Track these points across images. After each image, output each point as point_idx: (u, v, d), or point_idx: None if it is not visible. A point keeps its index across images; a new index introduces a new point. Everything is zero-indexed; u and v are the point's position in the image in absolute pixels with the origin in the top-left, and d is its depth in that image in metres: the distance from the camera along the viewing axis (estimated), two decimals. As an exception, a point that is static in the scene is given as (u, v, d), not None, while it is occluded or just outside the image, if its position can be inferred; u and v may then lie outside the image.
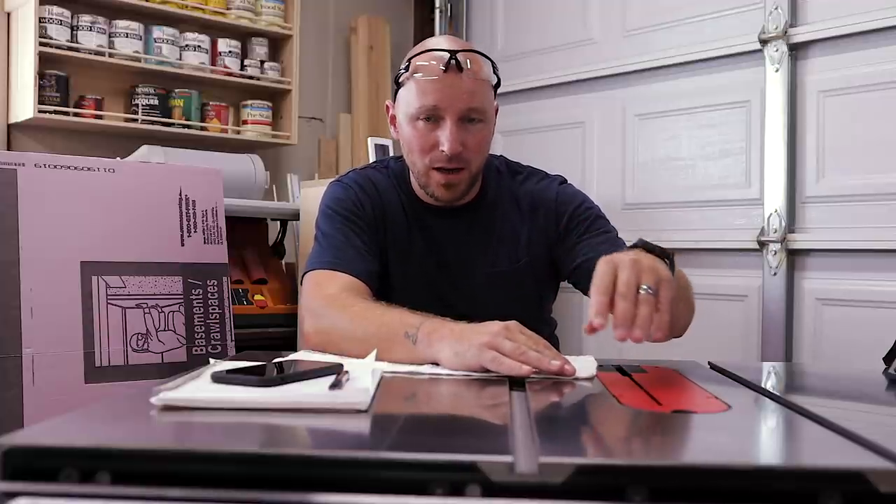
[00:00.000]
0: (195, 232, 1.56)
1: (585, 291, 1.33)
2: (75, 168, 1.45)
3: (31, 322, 1.35)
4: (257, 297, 2.25)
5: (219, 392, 0.75)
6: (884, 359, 1.00)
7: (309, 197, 2.30)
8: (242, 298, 2.21)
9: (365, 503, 0.51)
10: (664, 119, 2.35)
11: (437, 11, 2.93)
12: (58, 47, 2.32)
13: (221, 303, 1.56)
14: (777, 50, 2.09)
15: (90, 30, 2.38)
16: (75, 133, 2.49)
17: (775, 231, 2.08)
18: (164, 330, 1.48)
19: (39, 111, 2.27)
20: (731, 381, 0.93)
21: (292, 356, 1.02)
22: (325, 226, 1.32)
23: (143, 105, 2.51)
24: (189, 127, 2.58)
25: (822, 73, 2.05)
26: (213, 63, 2.65)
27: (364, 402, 0.70)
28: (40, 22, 2.28)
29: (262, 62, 2.75)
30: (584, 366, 0.94)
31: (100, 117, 2.44)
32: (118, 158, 1.91)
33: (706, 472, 0.52)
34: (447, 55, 1.23)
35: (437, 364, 0.99)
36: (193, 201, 1.56)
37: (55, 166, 1.42)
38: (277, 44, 2.82)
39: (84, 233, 1.43)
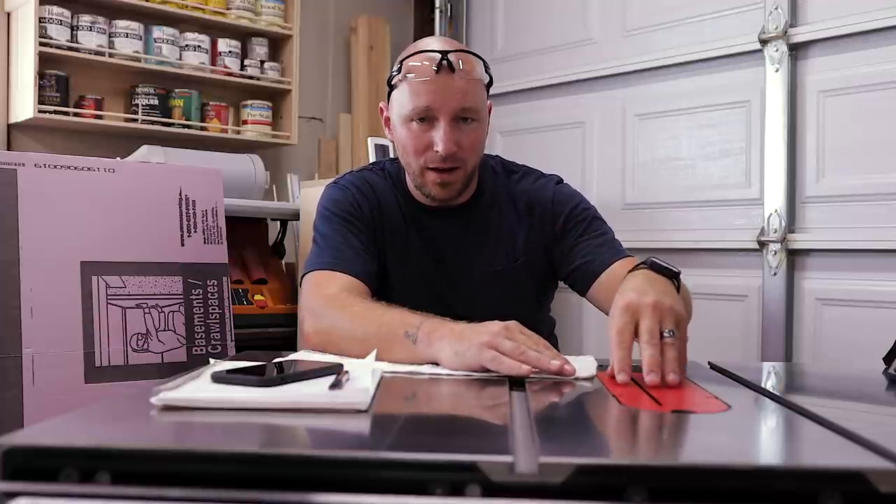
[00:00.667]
0: (195, 232, 1.56)
1: (583, 293, 1.34)
2: (75, 168, 1.45)
3: (31, 322, 1.35)
4: (257, 297, 2.25)
5: (219, 392, 0.75)
6: (884, 359, 1.00)
7: (309, 197, 2.30)
8: (242, 298, 2.21)
9: (365, 503, 0.51)
10: (664, 119, 2.35)
11: (437, 11, 2.93)
12: (58, 47, 2.32)
13: (221, 303, 1.56)
14: (777, 50, 2.09)
15: (90, 30, 2.38)
16: (75, 133, 2.49)
17: (775, 231, 2.08)
18: (164, 330, 1.48)
19: (39, 111, 2.27)
20: (731, 381, 0.93)
21: (292, 356, 1.02)
22: (322, 227, 1.33)
23: (143, 105, 2.51)
24: (189, 127, 2.58)
25: (822, 73, 2.05)
26: (213, 63, 2.65)
27: (364, 402, 0.70)
28: (40, 22, 2.28)
29: (262, 62, 2.75)
30: (584, 366, 0.94)
31: (100, 117, 2.44)
32: (118, 158, 1.91)
33: (706, 472, 0.52)
34: (439, 56, 1.23)
35: (437, 364, 0.99)
36: (193, 201, 1.56)
37: (55, 166, 1.42)
38: (277, 44, 2.82)
39: (84, 233, 1.43)
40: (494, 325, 0.95)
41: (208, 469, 0.53)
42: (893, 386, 0.92)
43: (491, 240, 1.37)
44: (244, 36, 2.74)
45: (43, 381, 1.34)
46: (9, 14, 2.39)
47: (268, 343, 2.16)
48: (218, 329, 1.55)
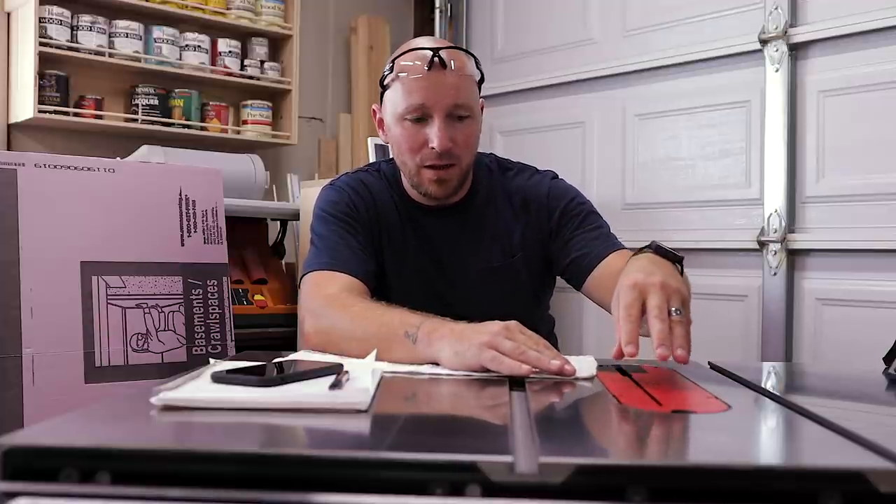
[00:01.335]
0: (195, 232, 1.56)
1: (578, 287, 1.34)
2: (75, 168, 1.45)
3: (31, 322, 1.34)
4: (257, 297, 2.25)
5: (219, 392, 0.75)
6: (884, 359, 1.00)
7: (309, 197, 2.30)
8: (242, 298, 2.21)
9: (365, 503, 0.51)
10: (664, 119, 2.35)
11: (437, 11, 2.93)
12: (58, 47, 2.32)
13: (221, 303, 1.56)
14: (777, 50, 2.09)
15: (90, 30, 2.38)
16: (75, 133, 2.49)
17: (775, 231, 2.08)
18: (164, 330, 1.48)
19: (39, 111, 2.27)
20: (731, 381, 0.93)
21: (292, 356, 1.02)
22: (320, 228, 1.33)
23: (143, 105, 2.51)
24: (189, 127, 2.58)
25: (822, 73, 2.05)
26: (213, 63, 2.65)
27: (364, 402, 0.70)
28: (40, 22, 2.28)
29: (262, 62, 2.75)
30: (584, 366, 0.94)
31: (100, 117, 2.44)
32: (118, 158, 1.91)
33: (706, 472, 0.52)
34: (430, 53, 1.23)
35: (437, 364, 0.99)
36: (193, 201, 1.56)
37: (55, 166, 1.42)
38: (277, 44, 2.82)
39: (84, 233, 1.43)
40: (494, 325, 0.96)
41: (208, 469, 0.53)
42: (893, 386, 0.92)
43: (487, 237, 1.37)
44: (244, 36, 2.74)
45: (43, 381, 1.34)
46: (9, 14, 2.39)
47: (268, 343, 2.16)
48: (218, 329, 1.55)
